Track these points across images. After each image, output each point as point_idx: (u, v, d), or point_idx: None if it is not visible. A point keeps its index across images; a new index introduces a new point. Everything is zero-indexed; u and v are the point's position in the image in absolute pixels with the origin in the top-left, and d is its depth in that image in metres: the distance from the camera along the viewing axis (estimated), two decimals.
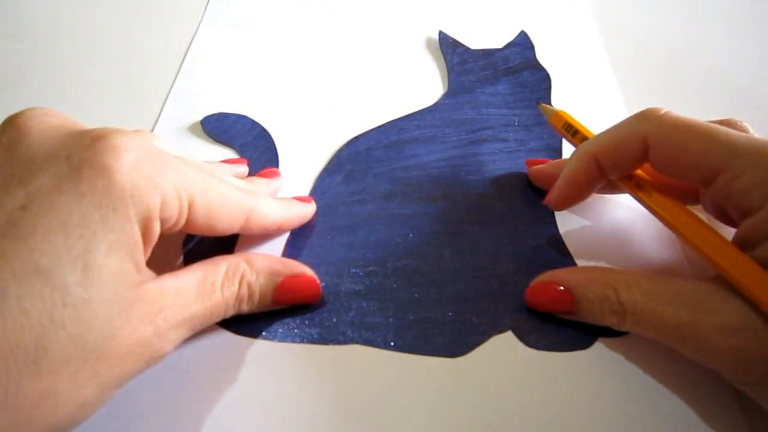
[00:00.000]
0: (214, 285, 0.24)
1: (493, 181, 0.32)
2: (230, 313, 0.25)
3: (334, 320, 0.27)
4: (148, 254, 0.22)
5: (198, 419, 0.25)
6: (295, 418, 0.25)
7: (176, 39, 0.43)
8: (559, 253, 0.29)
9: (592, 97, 0.37)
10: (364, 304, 0.28)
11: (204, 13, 0.45)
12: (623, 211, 0.31)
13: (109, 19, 0.45)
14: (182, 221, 0.23)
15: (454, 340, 0.26)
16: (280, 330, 0.27)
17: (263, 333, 0.27)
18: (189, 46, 0.42)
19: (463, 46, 0.40)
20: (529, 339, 0.27)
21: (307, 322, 0.27)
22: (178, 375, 0.26)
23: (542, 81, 0.38)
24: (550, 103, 0.37)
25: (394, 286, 0.28)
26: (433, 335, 0.27)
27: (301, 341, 0.27)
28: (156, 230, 0.22)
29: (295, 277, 0.27)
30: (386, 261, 0.29)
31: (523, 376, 0.26)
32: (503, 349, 0.26)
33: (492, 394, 0.25)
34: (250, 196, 0.27)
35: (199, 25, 0.44)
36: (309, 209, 0.31)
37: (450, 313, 0.27)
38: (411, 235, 0.30)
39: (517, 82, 0.38)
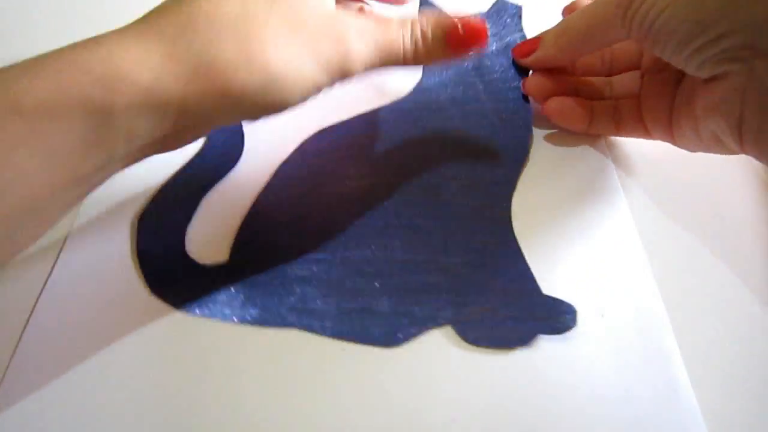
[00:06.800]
0: (390, 22, 0.27)
1: (452, 177, 0.32)
2: (407, 52, 0.27)
3: (276, 302, 0.27)
4: None
5: (131, 394, 0.25)
6: (226, 397, 0.25)
7: None
8: (510, 250, 0.29)
9: None
10: (308, 290, 0.28)
11: None
12: (581, 212, 0.31)
13: (97, 17, 0.45)
14: None
15: (391, 331, 0.27)
16: (219, 307, 0.27)
17: (201, 309, 0.27)
18: None
19: (444, 12, 0.36)
20: (467, 334, 0.26)
21: (249, 302, 0.27)
22: (116, 348, 0.26)
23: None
24: (527, 96, 0.35)
25: (341, 274, 0.28)
26: (370, 324, 0.27)
27: (241, 321, 0.27)
28: None
29: (465, 21, 0.28)
30: (336, 249, 0.29)
31: (455, 371, 0.26)
32: (440, 342, 0.26)
33: (422, 387, 0.25)
34: None
35: None
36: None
37: (391, 304, 0.27)
38: (364, 225, 0.30)
39: (495, 67, 0.36)
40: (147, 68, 0.21)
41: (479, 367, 0.26)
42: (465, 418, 0.24)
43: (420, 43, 0.28)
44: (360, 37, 0.25)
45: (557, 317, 0.27)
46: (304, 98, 0.25)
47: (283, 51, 0.23)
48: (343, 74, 0.25)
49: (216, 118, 0.23)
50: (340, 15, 0.26)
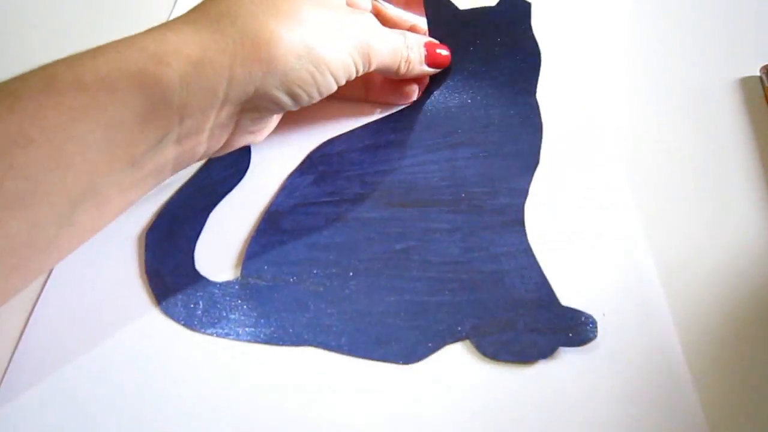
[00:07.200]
0: (395, 32, 0.30)
1: (463, 187, 0.31)
2: (404, 63, 0.31)
3: (290, 320, 0.27)
4: None
5: (145, 415, 0.25)
6: (241, 417, 0.24)
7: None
8: (526, 261, 0.29)
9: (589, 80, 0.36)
10: (323, 306, 0.27)
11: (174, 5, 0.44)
12: (589, 220, 0.30)
13: (78, 15, 0.44)
14: None
15: (409, 347, 0.26)
16: (232, 326, 0.27)
17: (213, 328, 0.27)
18: None
19: (452, 5, 0.36)
20: (486, 348, 0.26)
21: (262, 320, 0.27)
22: (131, 371, 0.26)
23: (531, 68, 0.35)
24: (535, 94, 0.35)
25: (355, 289, 0.28)
26: (388, 341, 0.26)
27: (255, 340, 0.26)
28: None
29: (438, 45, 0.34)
30: (349, 264, 0.29)
31: (476, 385, 0.25)
32: (459, 357, 0.26)
33: (443, 404, 0.25)
34: None
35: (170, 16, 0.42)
36: None
37: (407, 319, 0.27)
38: (377, 239, 0.30)
39: (503, 69, 0.35)
40: (196, 44, 0.23)
41: (499, 381, 0.25)
42: None
43: (414, 58, 0.31)
44: (380, 36, 0.29)
45: (577, 328, 0.26)
46: (337, 80, 0.27)
47: (318, 29, 0.26)
48: (366, 65, 0.28)
49: (264, 93, 0.25)
50: (364, 12, 0.29)
